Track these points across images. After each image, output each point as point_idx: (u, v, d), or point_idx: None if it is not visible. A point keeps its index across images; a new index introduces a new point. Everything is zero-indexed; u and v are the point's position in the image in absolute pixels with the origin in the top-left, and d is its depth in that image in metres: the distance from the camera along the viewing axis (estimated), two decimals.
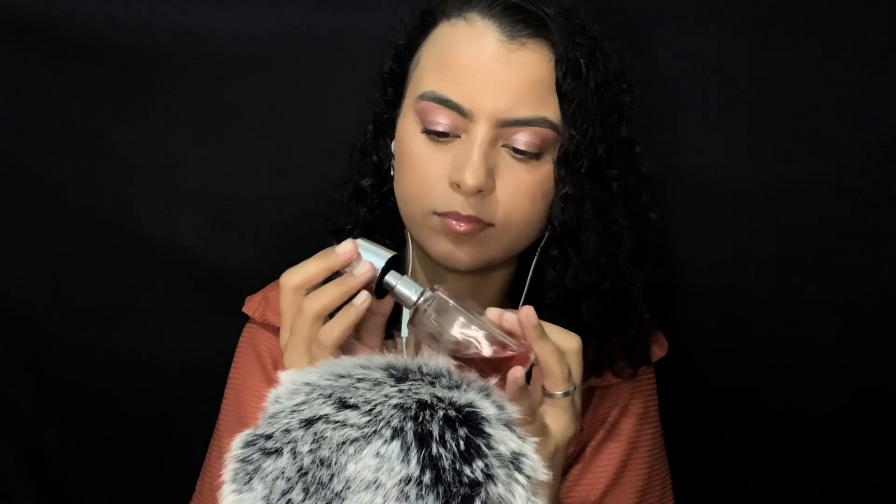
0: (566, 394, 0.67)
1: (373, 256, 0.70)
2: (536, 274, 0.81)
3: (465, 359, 0.65)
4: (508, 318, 0.67)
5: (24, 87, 0.97)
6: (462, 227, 0.74)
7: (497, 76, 0.73)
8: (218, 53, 0.95)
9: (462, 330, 0.66)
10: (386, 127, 0.83)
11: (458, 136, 0.75)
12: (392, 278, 0.69)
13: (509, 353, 0.66)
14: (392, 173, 0.82)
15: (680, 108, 0.95)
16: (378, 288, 0.70)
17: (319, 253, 0.70)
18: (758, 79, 0.94)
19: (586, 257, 0.79)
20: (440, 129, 0.75)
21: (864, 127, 0.93)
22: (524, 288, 0.82)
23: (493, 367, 0.65)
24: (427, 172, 0.75)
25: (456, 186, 0.73)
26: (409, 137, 0.77)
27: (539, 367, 0.67)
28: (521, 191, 0.75)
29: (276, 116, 0.98)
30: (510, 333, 0.67)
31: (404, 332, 0.73)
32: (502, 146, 0.75)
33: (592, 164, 0.76)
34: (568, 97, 0.74)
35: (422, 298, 0.68)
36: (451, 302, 0.67)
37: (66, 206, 1.00)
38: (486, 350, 0.66)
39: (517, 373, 0.64)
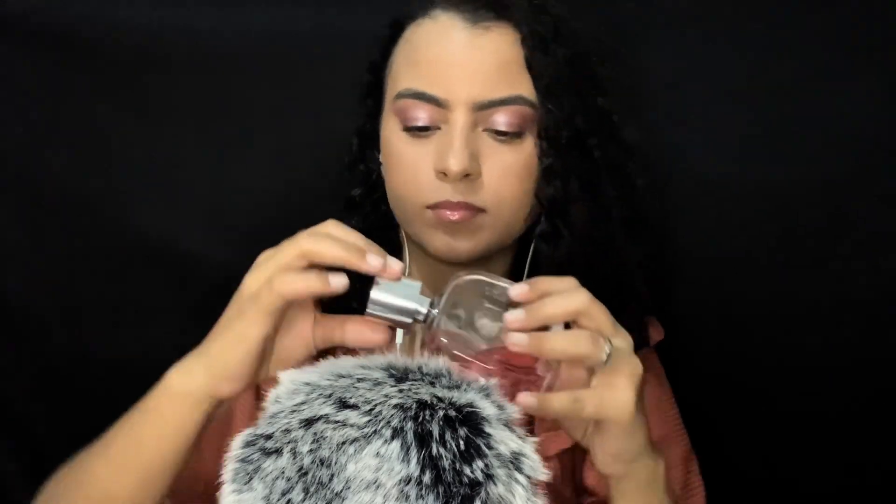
0: (607, 360, 0.61)
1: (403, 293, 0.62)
2: (535, 259, 0.82)
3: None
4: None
5: (25, 86, 0.97)
6: (455, 215, 0.75)
7: (467, 62, 0.75)
8: (218, 53, 0.95)
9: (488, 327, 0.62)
10: (370, 136, 0.84)
11: (439, 128, 0.76)
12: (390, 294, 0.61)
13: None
14: (382, 179, 0.82)
15: (680, 109, 0.95)
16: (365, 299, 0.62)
17: (354, 241, 0.63)
18: (758, 79, 0.94)
19: (576, 230, 0.79)
20: (420, 123, 0.76)
21: (864, 127, 0.93)
22: (523, 275, 0.82)
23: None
24: (413, 167, 0.76)
25: (442, 175, 0.74)
26: (391, 138, 0.78)
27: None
28: (508, 172, 0.76)
29: (276, 116, 0.98)
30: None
31: (399, 337, 0.73)
32: (483, 130, 0.76)
33: (572, 135, 0.77)
34: (539, 74, 0.76)
35: (433, 310, 0.63)
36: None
37: (65, 206, 0.99)
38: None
39: (525, 399, 0.59)
